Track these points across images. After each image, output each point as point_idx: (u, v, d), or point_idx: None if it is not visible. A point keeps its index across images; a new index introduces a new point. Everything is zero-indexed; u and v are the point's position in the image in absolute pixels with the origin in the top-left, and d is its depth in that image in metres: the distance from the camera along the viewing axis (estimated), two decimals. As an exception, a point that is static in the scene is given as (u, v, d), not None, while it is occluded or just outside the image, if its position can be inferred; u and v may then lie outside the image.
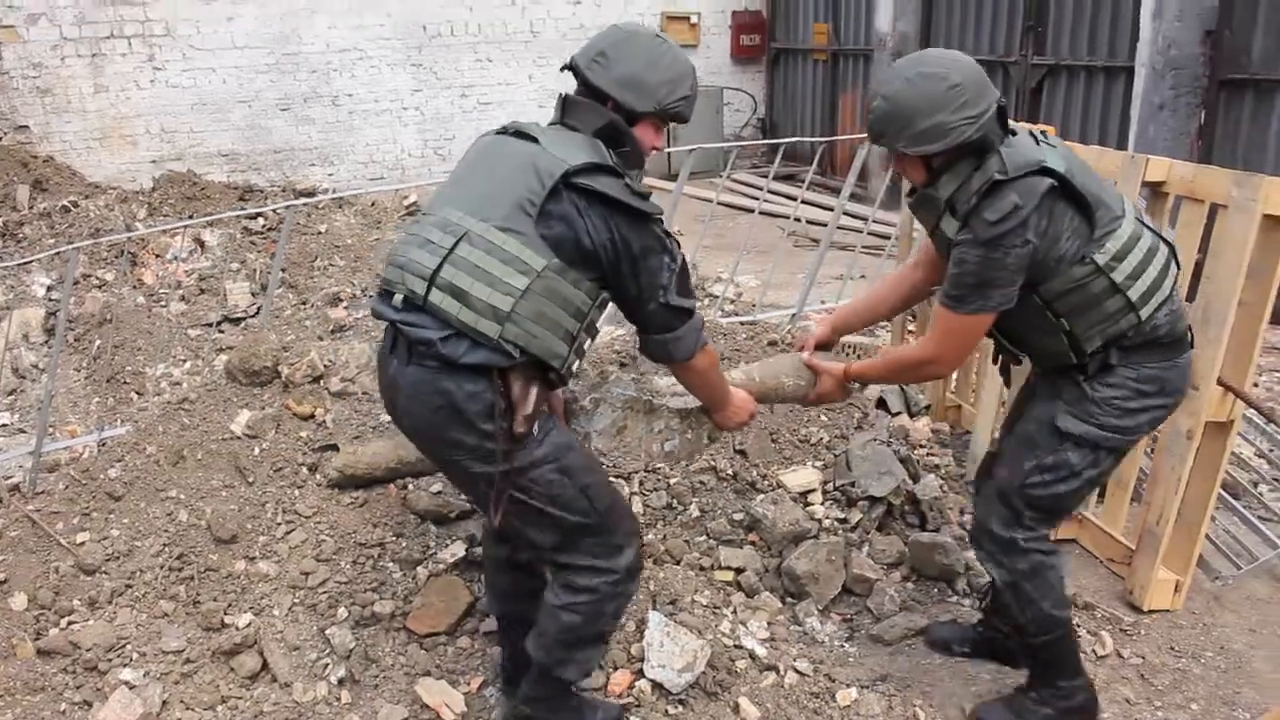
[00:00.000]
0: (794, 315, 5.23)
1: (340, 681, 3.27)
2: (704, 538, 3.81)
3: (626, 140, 2.69)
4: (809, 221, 9.81)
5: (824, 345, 3.39)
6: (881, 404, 4.80)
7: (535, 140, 2.62)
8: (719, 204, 7.62)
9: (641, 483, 3.93)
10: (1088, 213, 2.75)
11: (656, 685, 3.22)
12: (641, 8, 13.00)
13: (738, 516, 3.89)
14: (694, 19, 13.26)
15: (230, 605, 3.46)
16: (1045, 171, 2.70)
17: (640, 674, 3.25)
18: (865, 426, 4.41)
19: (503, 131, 2.76)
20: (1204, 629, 3.73)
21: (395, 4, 11.80)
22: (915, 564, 3.89)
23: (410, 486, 3.82)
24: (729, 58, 13.64)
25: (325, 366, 4.11)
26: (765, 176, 8.47)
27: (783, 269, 6.84)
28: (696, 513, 3.88)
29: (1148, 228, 2.90)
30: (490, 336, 2.48)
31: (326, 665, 3.31)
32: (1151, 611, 3.77)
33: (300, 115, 11.73)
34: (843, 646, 3.51)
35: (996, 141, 2.75)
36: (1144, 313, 2.83)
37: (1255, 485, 4.72)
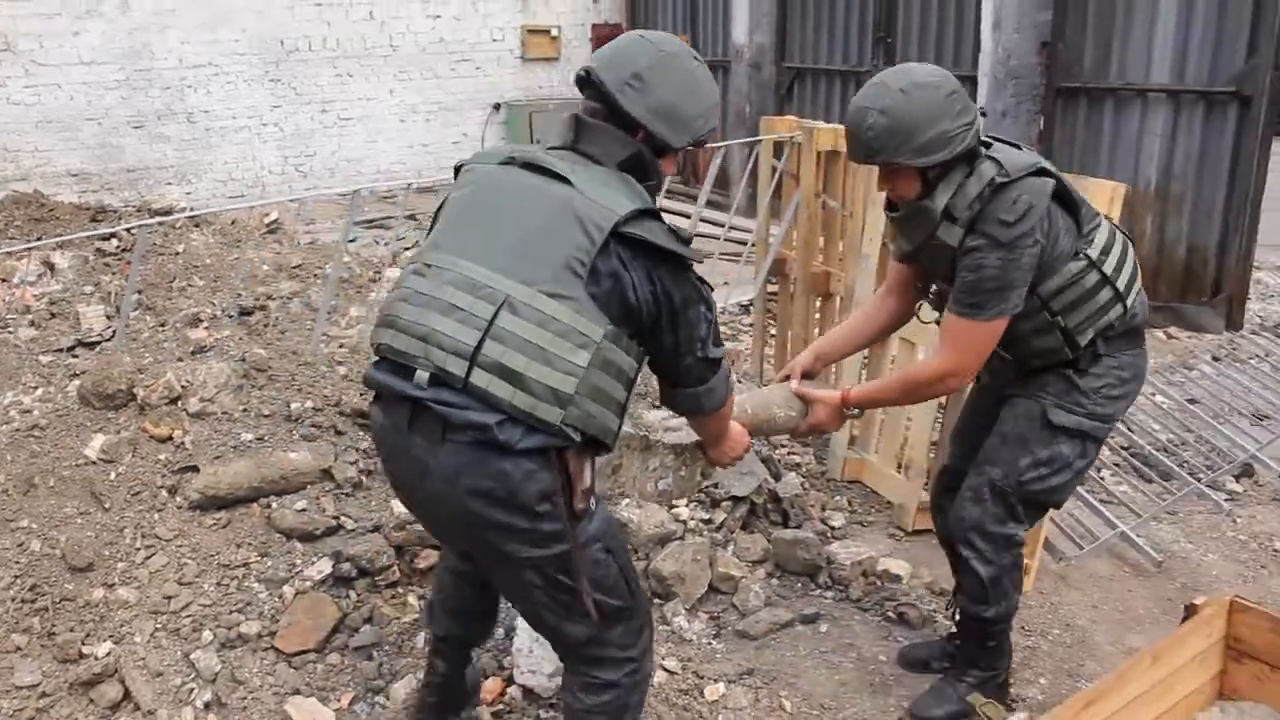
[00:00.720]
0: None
1: (206, 705, 3.23)
2: (572, 543, 3.86)
3: (653, 174, 2.45)
4: (697, 235, 9.93)
5: (808, 375, 3.30)
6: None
7: (562, 179, 2.32)
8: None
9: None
10: (1075, 211, 2.86)
11: (527, 691, 3.26)
12: (501, 22, 13.04)
13: (605, 521, 3.95)
14: (554, 32, 13.35)
15: (88, 635, 3.37)
16: (1043, 172, 2.78)
17: (511, 681, 3.28)
18: (727, 428, 4.52)
19: (508, 162, 2.43)
20: (1051, 608, 3.93)
21: (250, 19, 11.60)
22: (779, 560, 4.01)
23: (274, 505, 3.78)
24: (591, 70, 13.76)
25: (183, 387, 4.05)
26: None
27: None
28: (564, 519, 3.93)
29: (1107, 220, 3.03)
30: (551, 423, 2.21)
31: (192, 690, 3.26)
32: (1002, 595, 3.95)
33: (154, 133, 11.43)
34: (710, 643, 3.60)
35: (981, 147, 2.81)
36: (1129, 301, 2.96)
37: (1099, 471, 4.98)
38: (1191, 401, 5.86)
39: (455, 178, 2.57)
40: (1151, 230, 7.53)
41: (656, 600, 3.74)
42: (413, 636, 3.46)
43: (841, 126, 4.91)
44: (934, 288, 3.17)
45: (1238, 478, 5.03)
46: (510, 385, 2.19)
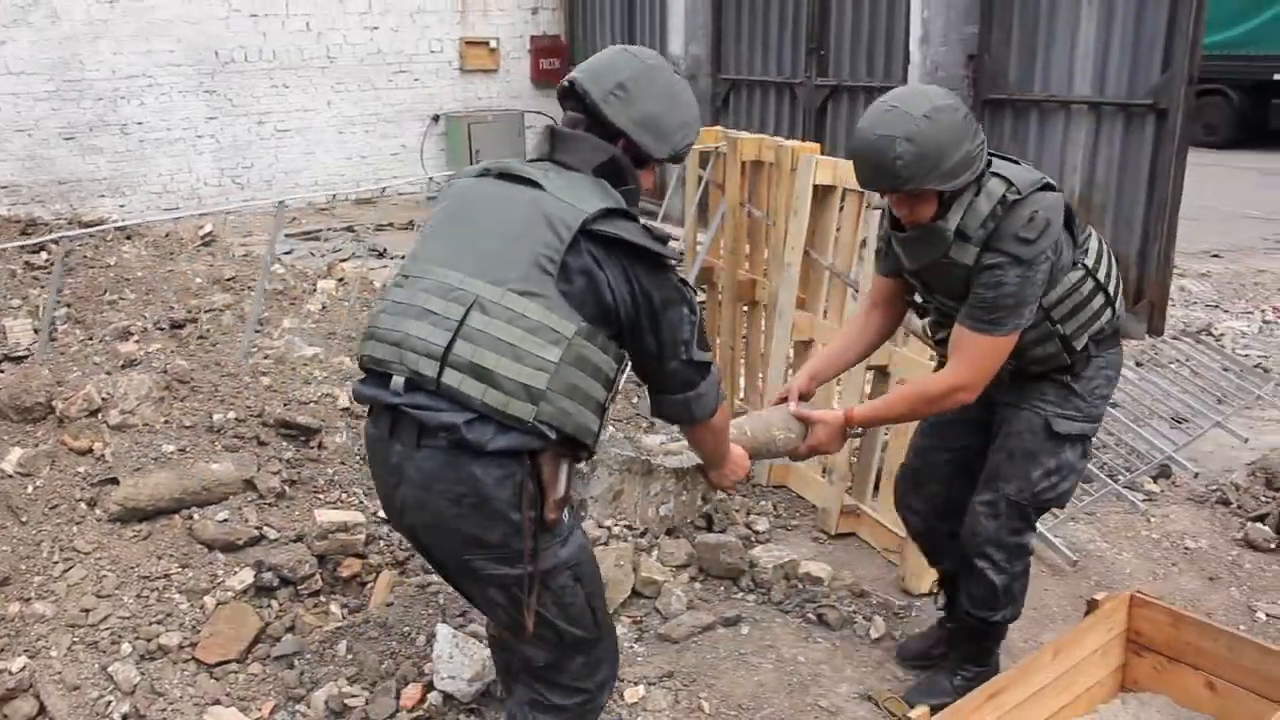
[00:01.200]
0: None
1: (124, 718, 3.21)
2: (496, 551, 3.88)
3: (630, 179, 2.44)
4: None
5: (805, 396, 3.24)
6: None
7: (533, 184, 2.34)
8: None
9: (433, 500, 3.99)
10: (1072, 222, 2.92)
11: (448, 697, 3.27)
12: (439, 33, 13.03)
13: (529, 528, 3.98)
14: (493, 44, 13.36)
15: (2, 650, 3.34)
16: (1049, 186, 2.84)
17: (431, 687, 3.30)
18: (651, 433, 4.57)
19: (484, 174, 2.46)
20: (967, 607, 4.00)
21: (184, 29, 11.50)
22: (702, 564, 4.06)
23: (196, 516, 3.77)
24: (529, 82, 13.78)
25: (103, 400, 4.03)
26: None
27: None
28: (488, 527, 3.96)
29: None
30: (524, 419, 2.20)
31: (109, 703, 3.24)
32: (923, 595, 4.03)
33: (86, 144, 11.29)
34: (632, 647, 3.64)
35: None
36: (1116, 305, 3.05)
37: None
38: (1113, 405, 5.99)
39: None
40: (1075, 238, 7.68)
41: (580, 605, 3.77)
42: (334, 645, 3.46)
43: (765, 136, 5.00)
44: (919, 299, 3.22)
45: (1155, 479, 5.15)
46: (481, 383, 2.19)
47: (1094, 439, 3.23)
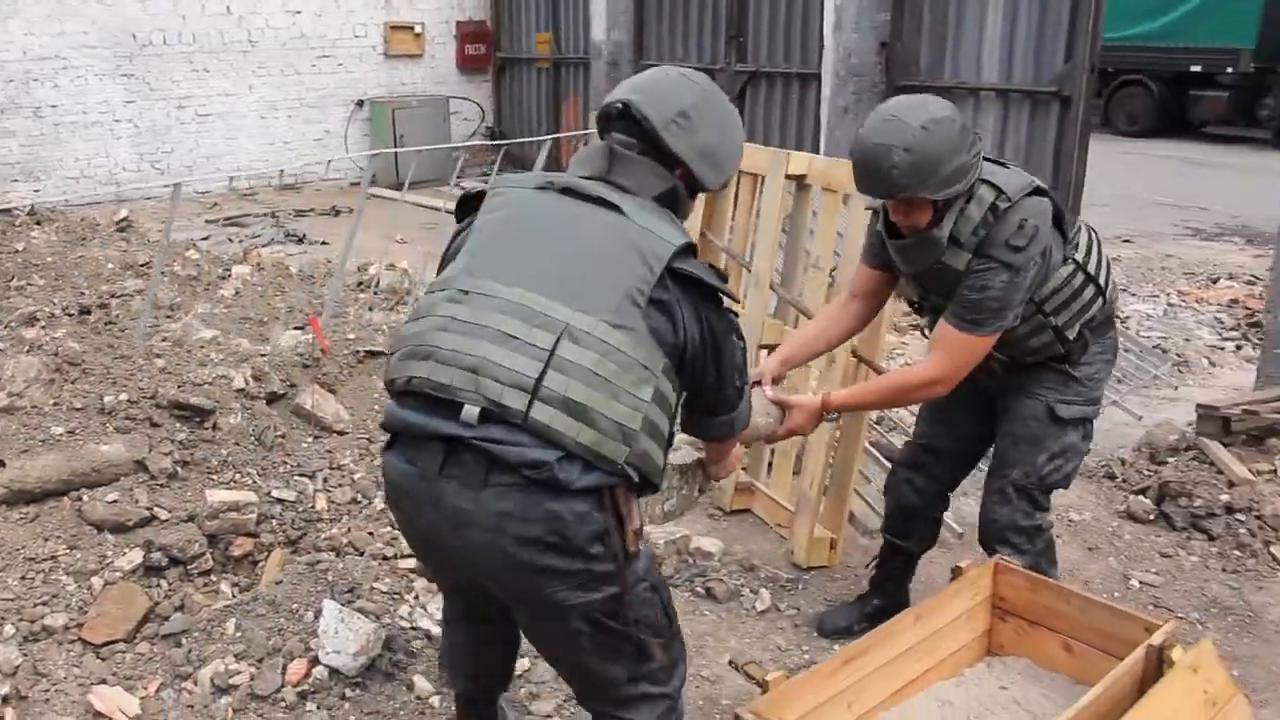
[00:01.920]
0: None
1: (4, 699, 3.20)
2: (388, 529, 3.92)
3: (683, 210, 2.36)
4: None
5: (776, 380, 3.25)
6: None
7: (609, 205, 2.21)
8: (447, 211, 7.73)
9: (326, 480, 4.01)
10: (1061, 220, 2.98)
11: (333, 671, 3.30)
12: (363, 18, 12.94)
13: (423, 506, 4.01)
14: (418, 29, 13.29)
15: (-118, 631, 3.33)
16: (1038, 190, 2.91)
17: (316, 661, 3.33)
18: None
19: (545, 187, 2.30)
20: (855, 579, 4.10)
21: (99, 11, 11.31)
22: (597, 540, 4.11)
23: (85, 498, 3.76)
24: (455, 67, 13.74)
25: (-8, 382, 4.00)
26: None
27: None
28: (381, 505, 3.99)
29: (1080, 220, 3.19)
30: (615, 461, 2.09)
31: (-11, 684, 3.23)
32: (811, 568, 4.12)
33: (-2, 127, 11.10)
34: (522, 622, 3.69)
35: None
36: (1107, 294, 3.13)
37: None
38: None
39: (475, 205, 2.37)
40: (983, 223, 7.85)
41: (472, 582, 3.82)
42: (223, 623, 3.48)
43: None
44: (916, 298, 3.32)
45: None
46: (576, 421, 2.05)
47: (1094, 421, 3.30)
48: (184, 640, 3.43)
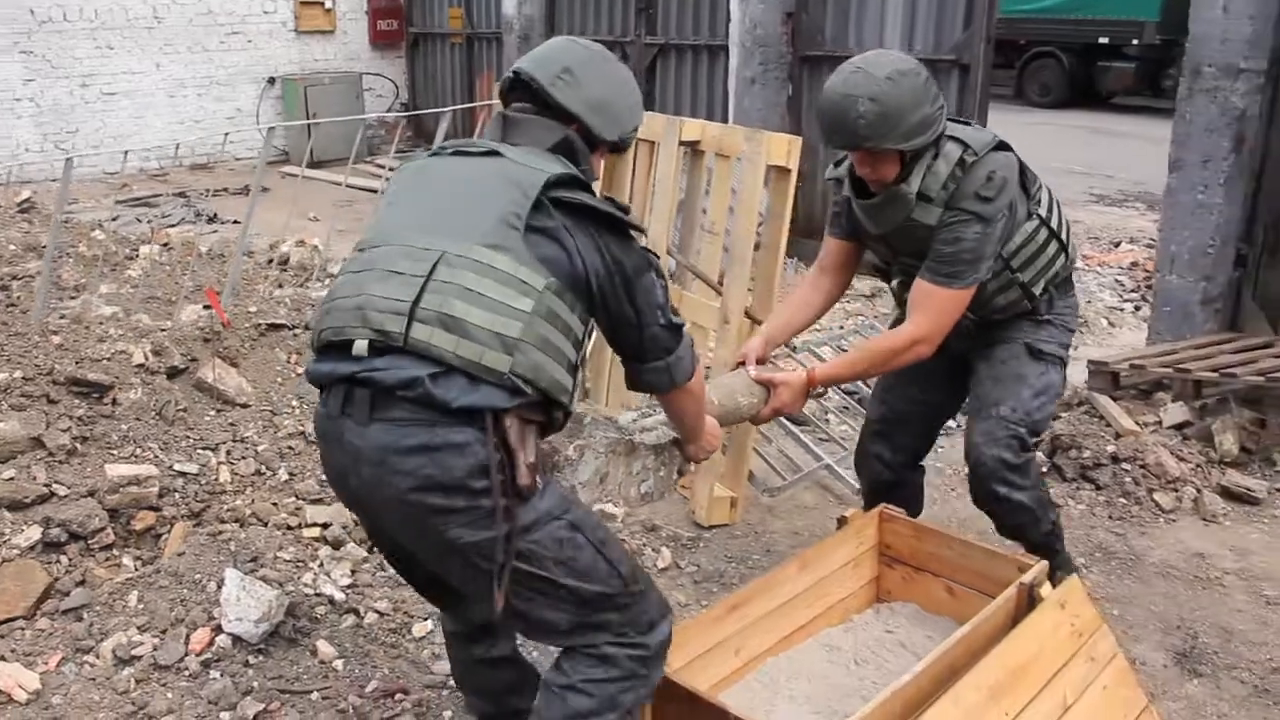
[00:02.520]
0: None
1: (-99, 677, 3.19)
2: (292, 499, 3.94)
3: (583, 161, 2.39)
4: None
5: (760, 361, 3.25)
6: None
7: (494, 154, 2.28)
8: (349, 186, 7.69)
9: (229, 452, 4.02)
10: (1024, 175, 3.05)
11: (237, 639, 3.33)
12: (275, -7, 12.77)
13: (325, 477, 4.04)
14: (329, 4, 13.11)
15: None
16: (1004, 145, 2.98)
17: (219, 629, 3.35)
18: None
19: (438, 153, 2.42)
20: (755, 536, 4.21)
21: (-8, -14, 11.01)
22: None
23: (-19, 475, 3.73)
24: (367, 43, 13.58)
25: (-118, 362, 3.94)
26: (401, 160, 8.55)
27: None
28: (285, 476, 4.01)
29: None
30: (499, 370, 2.08)
31: (-121, 666, 3.21)
32: (713, 527, 4.22)
33: (-111, 107, 10.78)
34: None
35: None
36: (1069, 251, 3.21)
37: (825, 414, 5.33)
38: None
39: None
40: (890, 191, 8.00)
41: (374, 548, 3.85)
42: (125, 596, 3.48)
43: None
44: (883, 262, 3.38)
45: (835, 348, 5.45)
46: (452, 334, 2.07)
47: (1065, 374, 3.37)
48: (85, 614, 3.43)
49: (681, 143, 4.24)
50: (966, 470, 3.34)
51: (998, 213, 2.93)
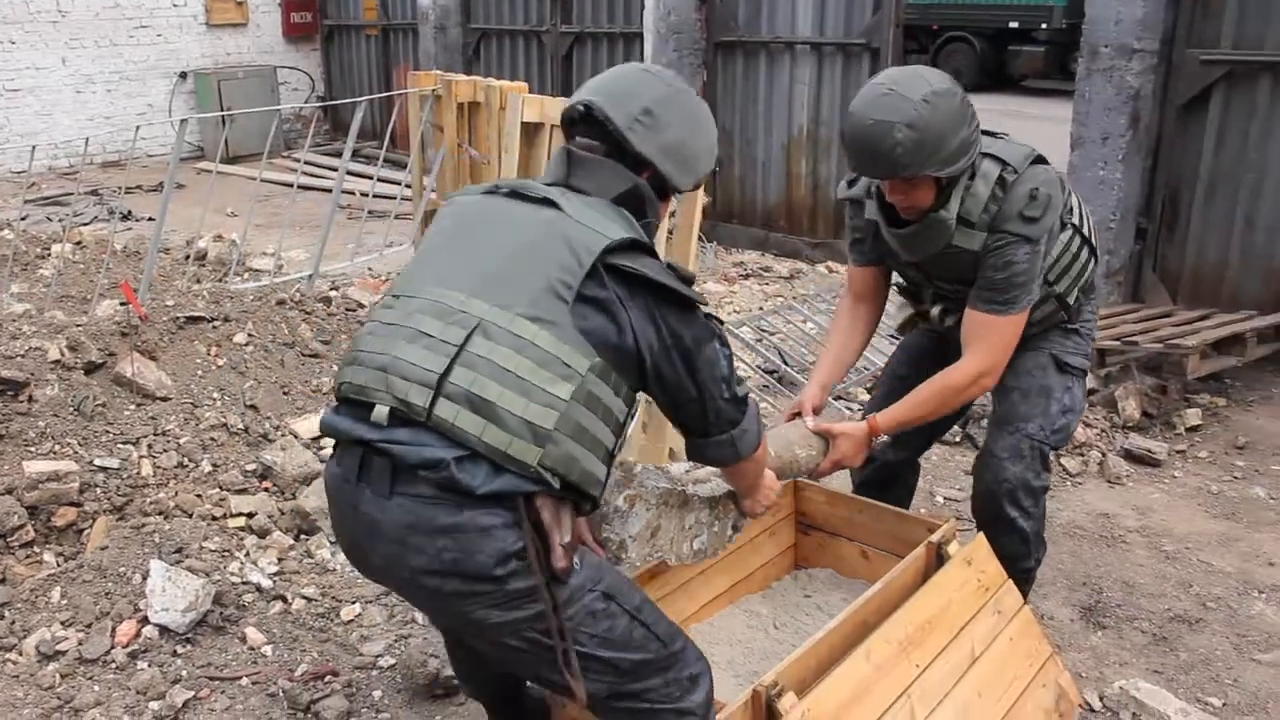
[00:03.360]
0: (310, 277, 5.41)
1: None
2: (216, 490, 3.94)
3: (650, 212, 2.21)
4: (375, 195, 9.95)
5: (816, 410, 3.09)
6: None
7: (551, 204, 2.09)
8: (264, 180, 7.63)
9: (150, 446, 4.00)
10: (1063, 186, 2.86)
11: (164, 629, 3.33)
12: (186, -14, 12.57)
13: (250, 467, 4.05)
14: (241, -3, 12.99)
15: None
16: (1041, 159, 2.82)
17: (146, 621, 3.35)
18: (378, 371, 4.68)
19: (492, 191, 2.21)
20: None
21: (-113, -21, 10.71)
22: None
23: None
24: (281, 36, 13.45)
25: None
26: (337, 155, 8.50)
27: (334, 241, 7.02)
28: (209, 468, 4.01)
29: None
30: (527, 463, 1.92)
31: None
32: (637, 505, 4.28)
33: None
34: (352, 572, 3.76)
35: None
36: (1098, 254, 3.12)
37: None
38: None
39: None
40: (806, 173, 8.14)
41: (303, 535, 3.88)
42: (47, 592, 3.46)
43: (478, 78, 5.13)
44: (910, 285, 3.24)
45: (869, 389, 5.57)
46: (480, 418, 1.91)
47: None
48: (6, 612, 3.40)
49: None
50: (977, 483, 3.20)
51: (1044, 231, 2.78)
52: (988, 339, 2.87)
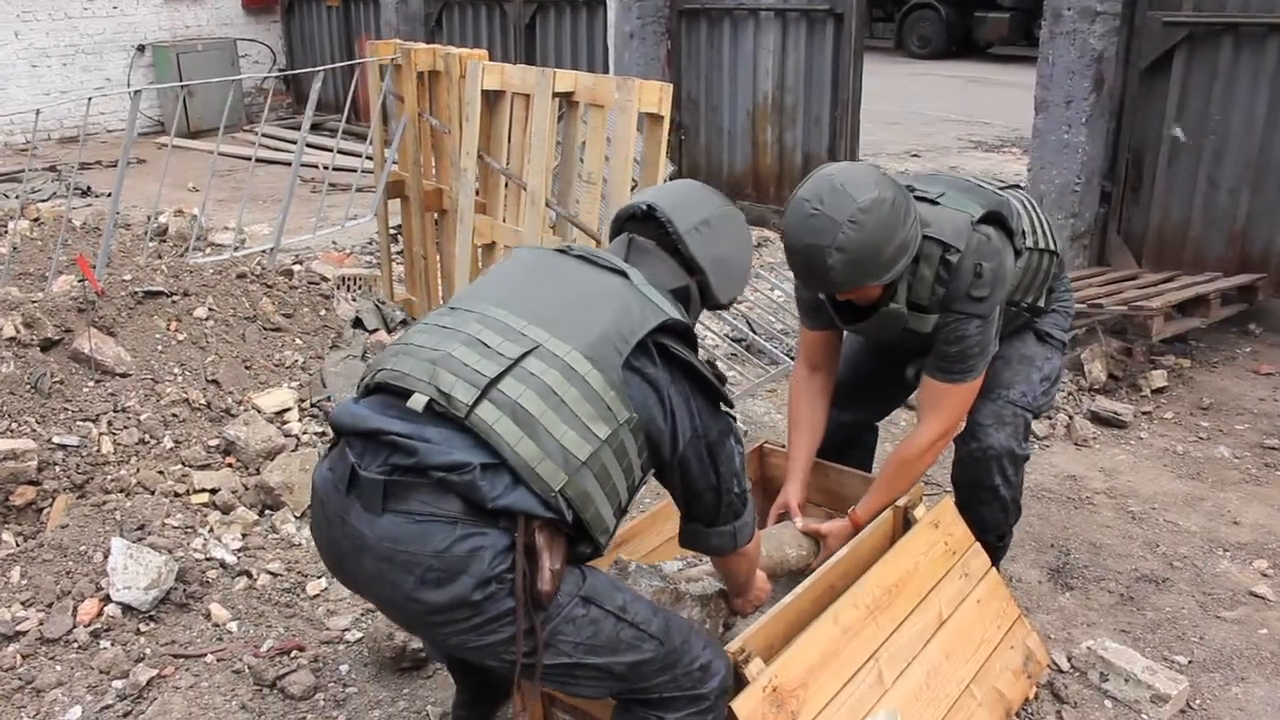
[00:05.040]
0: (271, 250, 5.35)
1: None
2: (179, 466, 3.89)
3: (691, 313, 2.29)
4: (335, 169, 9.84)
5: (803, 506, 3.07)
6: (358, 323, 5.03)
7: (620, 273, 2.16)
8: (221, 154, 7.52)
9: (110, 422, 3.94)
10: (1005, 223, 2.81)
11: (127, 608, 3.29)
12: (142, -38, 12.34)
13: (213, 442, 4.00)
14: (198, -32, 12.77)
15: None
16: (987, 218, 2.75)
17: (108, 599, 3.31)
18: (341, 345, 4.63)
19: (563, 251, 2.27)
20: (647, 482, 4.27)
21: None
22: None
23: None
24: (240, 8, 13.24)
25: None
26: (297, 129, 8.38)
27: (298, 215, 6.94)
28: (171, 444, 3.95)
29: (1009, 194, 3.05)
30: (550, 486, 1.92)
31: None
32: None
33: None
34: (318, 545, 3.73)
35: None
36: (1056, 248, 3.08)
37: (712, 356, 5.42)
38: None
39: None
40: (772, 140, 8.10)
41: (268, 510, 3.84)
42: (6, 572, 3.41)
43: (438, 46, 5.07)
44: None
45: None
46: (520, 430, 1.91)
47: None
48: (-35, 592, 3.36)
49: (556, 94, 4.25)
50: (961, 449, 3.17)
51: (994, 306, 2.77)
52: (945, 407, 2.89)
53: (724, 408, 2.20)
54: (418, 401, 1.95)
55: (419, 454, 1.89)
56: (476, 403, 1.92)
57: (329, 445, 2.12)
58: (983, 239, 2.74)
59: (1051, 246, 3.08)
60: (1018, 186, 3.21)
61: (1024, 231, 2.95)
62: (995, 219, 2.79)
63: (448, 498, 1.89)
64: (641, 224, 2.33)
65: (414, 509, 1.89)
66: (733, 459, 2.21)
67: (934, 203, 2.80)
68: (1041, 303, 3.14)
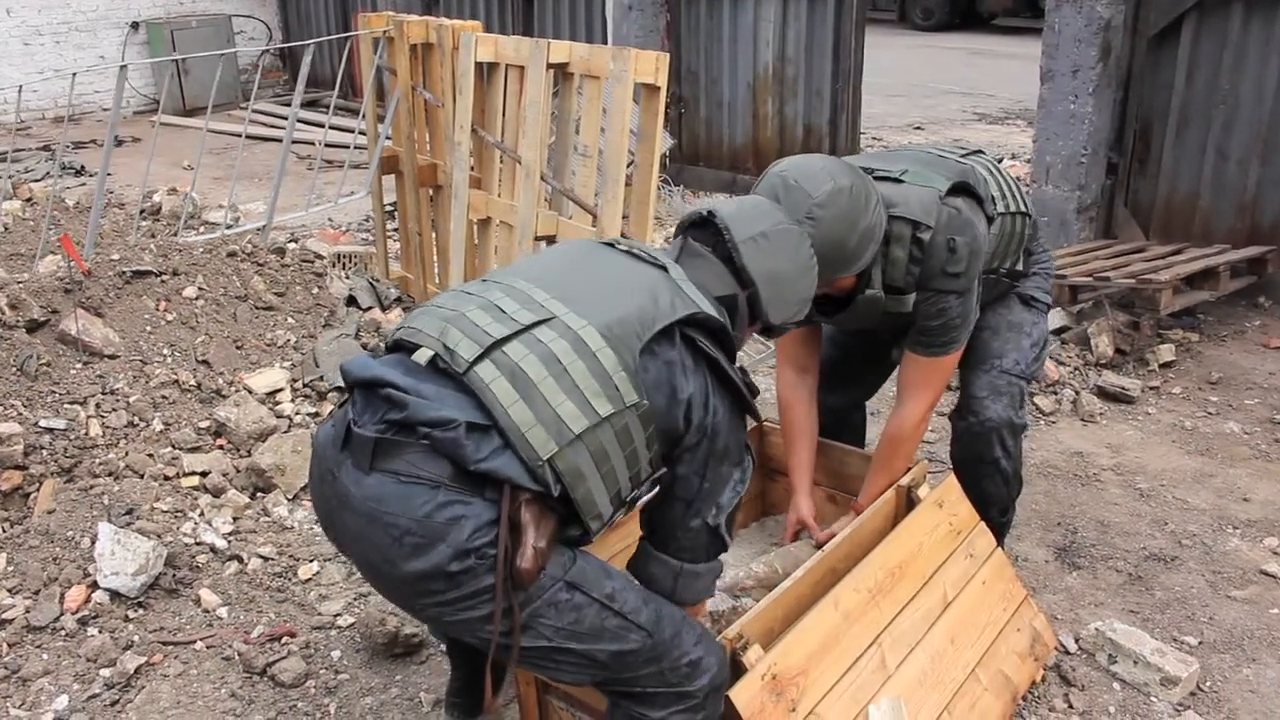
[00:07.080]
0: (263, 228, 5.26)
1: None
2: (169, 449, 3.82)
3: (737, 325, 2.22)
4: (328, 145, 9.74)
5: (817, 518, 3.03)
6: (352, 301, 4.96)
7: (662, 267, 2.13)
8: (211, 131, 7.43)
9: (99, 405, 3.88)
10: (974, 191, 2.77)
11: (115, 594, 3.23)
12: (129, -67, 12.18)
13: (203, 424, 3.93)
14: (192, -57, 12.62)
15: None
16: (952, 192, 2.69)
17: (96, 586, 3.25)
18: (334, 324, 4.55)
19: (611, 245, 2.24)
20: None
21: None
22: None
23: None
24: (236, -17, 13.12)
25: None
26: (288, 105, 8.28)
27: (293, 193, 6.85)
28: (160, 426, 3.88)
29: (974, 160, 3.01)
30: (537, 454, 1.86)
31: None
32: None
33: None
34: (311, 529, 3.66)
35: None
36: (1030, 210, 3.05)
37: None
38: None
39: None
40: (773, 112, 7.99)
41: (259, 493, 3.77)
42: (-8, 558, 3.36)
43: (430, 18, 4.97)
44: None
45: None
46: (515, 392, 1.88)
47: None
48: (-52, 580, 3.30)
49: (550, 65, 4.15)
50: (959, 425, 3.14)
51: (972, 279, 2.71)
52: (929, 380, 2.86)
53: (745, 430, 2.15)
54: (423, 355, 1.95)
55: (409, 408, 1.86)
56: (477, 360, 1.90)
57: (339, 403, 2.09)
58: (953, 212, 2.68)
59: (1023, 208, 3.04)
60: (980, 152, 3.13)
61: (993, 197, 2.91)
62: (963, 189, 2.74)
63: (436, 460, 1.85)
64: (699, 229, 2.29)
65: (400, 469, 1.85)
66: (723, 484, 2.13)
67: (898, 181, 2.73)
68: (1020, 266, 3.10)
